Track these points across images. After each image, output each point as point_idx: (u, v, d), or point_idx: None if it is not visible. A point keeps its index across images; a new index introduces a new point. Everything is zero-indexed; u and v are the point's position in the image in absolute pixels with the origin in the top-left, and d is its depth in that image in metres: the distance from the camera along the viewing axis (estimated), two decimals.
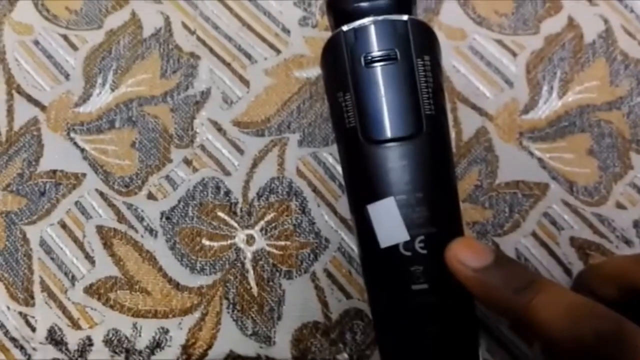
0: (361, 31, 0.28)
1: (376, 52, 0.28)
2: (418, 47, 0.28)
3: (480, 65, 0.43)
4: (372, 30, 0.28)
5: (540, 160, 0.41)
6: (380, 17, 0.28)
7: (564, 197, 0.41)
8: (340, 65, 0.29)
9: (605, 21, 0.43)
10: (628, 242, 0.40)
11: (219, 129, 0.42)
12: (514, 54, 0.43)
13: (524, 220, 0.40)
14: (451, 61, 0.43)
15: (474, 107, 0.42)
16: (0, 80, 0.44)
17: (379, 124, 0.28)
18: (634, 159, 0.41)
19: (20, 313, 0.40)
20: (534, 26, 0.44)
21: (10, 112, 0.43)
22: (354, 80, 0.28)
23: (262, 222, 0.41)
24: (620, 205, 0.40)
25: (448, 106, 0.42)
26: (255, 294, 0.39)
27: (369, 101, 0.28)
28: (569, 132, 0.42)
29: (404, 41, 0.28)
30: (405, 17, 0.28)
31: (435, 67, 0.29)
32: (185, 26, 0.44)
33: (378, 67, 0.28)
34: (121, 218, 0.41)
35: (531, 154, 0.41)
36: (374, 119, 0.28)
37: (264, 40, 0.44)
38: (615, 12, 0.43)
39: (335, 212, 0.41)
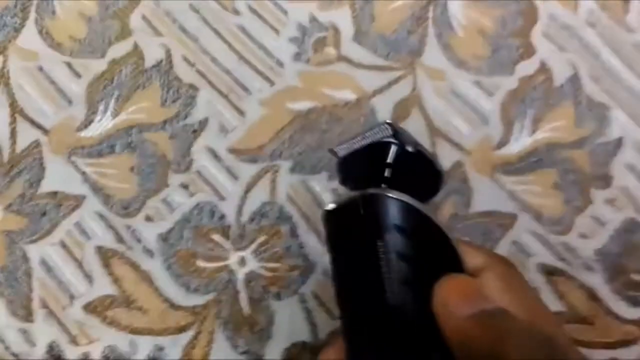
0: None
1: None
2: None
3: (458, 104, 0.45)
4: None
5: (511, 192, 0.43)
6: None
7: (532, 227, 0.43)
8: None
9: (574, 67, 0.46)
10: (590, 269, 0.42)
11: (215, 156, 0.44)
12: (490, 94, 0.45)
13: (494, 249, 0.42)
14: (432, 100, 0.45)
15: (452, 142, 0.44)
16: (4, 104, 0.44)
17: None
18: (594, 194, 0.44)
19: (20, 329, 0.40)
20: (509, 68, 0.46)
21: (13, 134, 0.44)
22: None
23: (253, 245, 0.42)
24: (582, 235, 0.43)
25: (427, 141, 0.44)
26: (247, 314, 0.41)
27: None
28: (537, 167, 0.44)
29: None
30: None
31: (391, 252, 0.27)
32: (185, 59, 0.45)
33: None
34: (120, 239, 0.42)
35: (503, 186, 0.44)
36: None
37: (259, 73, 0.45)
38: (583, 59, 0.46)
39: (321, 237, 0.42)
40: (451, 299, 0.25)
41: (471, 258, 0.28)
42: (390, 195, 0.27)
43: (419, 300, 0.26)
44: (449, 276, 0.27)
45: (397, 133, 0.28)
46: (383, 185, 0.28)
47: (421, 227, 0.27)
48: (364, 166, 0.30)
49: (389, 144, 0.29)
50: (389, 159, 0.28)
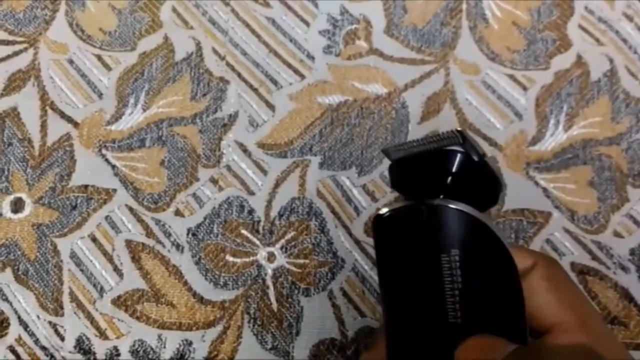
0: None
1: None
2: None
3: (492, 98, 0.43)
4: None
5: (544, 189, 0.42)
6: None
7: (565, 225, 0.41)
8: None
9: (611, 61, 0.44)
10: (624, 269, 0.40)
11: (245, 150, 0.42)
12: (525, 88, 0.43)
13: (528, 246, 0.41)
14: (464, 94, 0.43)
15: (485, 137, 0.43)
16: (35, 97, 0.43)
17: None
18: (630, 192, 0.42)
19: (50, 322, 0.39)
20: (545, 62, 0.44)
21: (44, 127, 0.43)
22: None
23: (282, 241, 0.40)
24: (617, 234, 0.41)
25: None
26: (275, 310, 0.39)
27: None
28: (572, 164, 0.42)
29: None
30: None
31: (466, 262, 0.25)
32: (215, 52, 0.44)
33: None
34: (149, 233, 0.41)
35: (536, 183, 0.42)
36: None
37: (289, 66, 0.44)
38: (620, 53, 0.44)
39: (350, 233, 0.41)
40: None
41: (518, 260, 0.27)
42: (459, 208, 0.25)
43: (479, 316, 0.25)
44: (469, 342, 0.25)
45: (465, 141, 0.27)
46: (441, 196, 0.26)
47: (486, 242, 0.25)
48: (424, 172, 0.28)
49: (454, 152, 0.27)
50: (454, 168, 0.27)
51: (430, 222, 0.25)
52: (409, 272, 0.26)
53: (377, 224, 0.27)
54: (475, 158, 0.27)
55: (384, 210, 0.27)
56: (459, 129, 0.26)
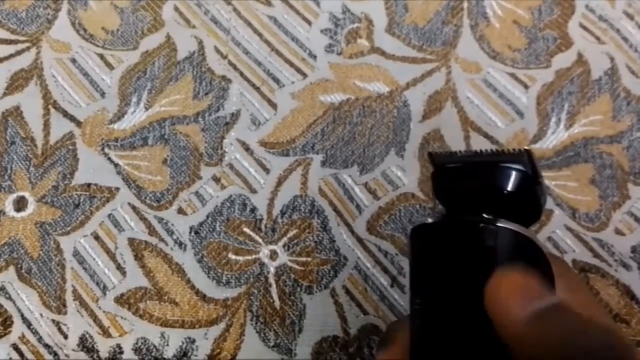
0: None
1: None
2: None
3: (494, 97, 0.43)
4: None
5: (546, 187, 0.41)
6: None
7: (567, 223, 0.41)
8: None
9: (612, 59, 0.44)
10: (626, 267, 0.40)
11: (247, 149, 0.42)
12: (526, 87, 0.43)
13: None
14: (466, 93, 0.43)
15: (487, 136, 0.42)
16: (38, 96, 0.43)
17: None
18: (632, 190, 0.41)
19: (54, 321, 0.39)
20: (546, 61, 0.44)
21: (46, 126, 0.43)
22: None
23: (285, 239, 0.40)
24: (619, 232, 0.41)
25: (461, 134, 0.42)
26: (278, 308, 0.39)
27: None
28: (573, 162, 0.42)
29: None
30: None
31: None
32: (217, 51, 0.44)
33: None
34: (152, 232, 0.40)
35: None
36: None
37: (291, 65, 0.44)
38: (621, 51, 0.44)
39: (352, 232, 0.41)
40: (505, 300, 0.23)
41: None
42: (519, 230, 0.24)
43: None
44: (500, 273, 0.24)
45: (531, 162, 0.25)
46: (495, 215, 0.25)
47: (537, 263, 0.25)
48: (476, 186, 0.26)
49: (516, 170, 0.25)
50: (513, 187, 0.25)
51: (487, 241, 0.24)
52: (454, 288, 0.25)
53: (421, 236, 0.26)
54: (537, 180, 0.26)
55: (430, 221, 0.26)
56: (527, 148, 0.25)
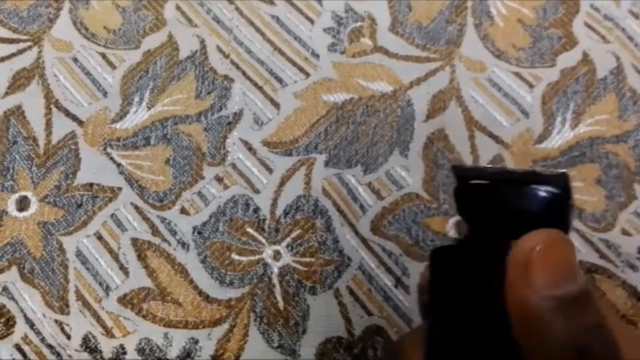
0: None
1: None
2: None
3: (498, 96, 0.43)
4: None
5: None
6: None
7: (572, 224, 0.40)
8: None
9: (617, 58, 0.43)
10: (633, 267, 0.40)
11: (250, 149, 0.42)
12: (531, 86, 0.43)
13: None
14: (470, 92, 0.43)
15: (491, 135, 0.42)
16: (39, 95, 0.43)
17: None
18: (638, 190, 0.41)
19: (56, 321, 0.39)
20: (550, 59, 0.44)
21: (48, 125, 0.43)
22: None
23: (288, 239, 0.40)
24: (625, 232, 0.41)
25: (466, 134, 0.42)
26: (281, 308, 0.39)
27: None
28: (579, 161, 0.42)
29: None
30: None
31: None
32: (219, 50, 0.44)
33: None
34: (155, 231, 0.40)
35: None
36: None
37: (294, 64, 0.44)
38: (627, 50, 0.43)
39: (356, 232, 0.40)
40: (533, 269, 0.21)
41: None
42: None
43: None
44: (538, 232, 0.22)
45: (566, 185, 0.24)
46: (515, 236, 0.23)
47: None
48: (504, 206, 0.25)
49: (553, 194, 0.24)
50: (543, 210, 0.24)
51: None
52: (475, 308, 0.24)
53: (444, 255, 0.26)
54: (569, 203, 0.24)
55: (454, 241, 0.25)
56: (565, 171, 0.24)
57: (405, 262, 0.40)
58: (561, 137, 0.42)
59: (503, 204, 0.25)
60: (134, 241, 0.40)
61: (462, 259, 0.25)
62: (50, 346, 0.38)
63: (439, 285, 0.26)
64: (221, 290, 0.39)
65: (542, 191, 0.24)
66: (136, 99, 0.43)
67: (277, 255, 0.40)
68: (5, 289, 0.39)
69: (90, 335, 0.39)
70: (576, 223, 0.40)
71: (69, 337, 0.39)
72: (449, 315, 0.25)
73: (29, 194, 0.41)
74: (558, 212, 0.24)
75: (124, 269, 0.40)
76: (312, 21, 0.45)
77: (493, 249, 0.24)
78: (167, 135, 0.42)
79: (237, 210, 0.41)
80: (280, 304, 0.39)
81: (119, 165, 0.42)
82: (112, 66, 0.44)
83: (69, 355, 0.38)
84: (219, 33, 0.44)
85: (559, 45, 0.44)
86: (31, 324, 0.39)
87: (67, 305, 0.39)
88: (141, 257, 0.40)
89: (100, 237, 0.40)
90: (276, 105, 0.43)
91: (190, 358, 0.38)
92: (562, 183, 0.24)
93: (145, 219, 0.41)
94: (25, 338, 0.39)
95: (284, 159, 0.42)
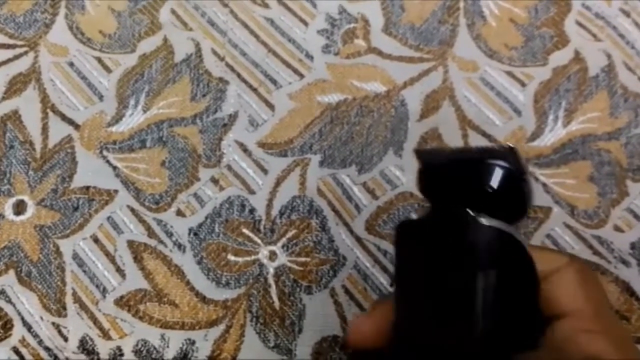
0: None
1: None
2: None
3: (491, 95, 0.43)
4: None
5: (544, 185, 0.41)
6: None
7: (565, 220, 0.41)
8: None
9: (609, 56, 0.44)
10: (625, 263, 0.40)
11: (245, 150, 0.42)
12: (523, 85, 0.43)
13: (529, 241, 0.40)
14: (463, 91, 0.43)
15: (484, 134, 0.42)
16: (36, 99, 0.43)
17: None
18: (630, 186, 0.41)
19: (53, 323, 0.39)
20: (542, 58, 0.44)
21: (45, 129, 0.43)
22: None
23: (284, 239, 0.40)
24: (618, 229, 0.41)
25: (459, 133, 0.42)
26: (277, 308, 0.39)
27: None
28: (571, 159, 0.42)
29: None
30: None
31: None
32: (214, 52, 0.44)
33: None
34: (151, 233, 0.40)
35: (536, 179, 0.41)
36: None
37: (288, 66, 0.44)
38: (618, 48, 0.44)
39: (351, 231, 0.41)
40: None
41: (556, 259, 0.27)
42: (504, 229, 0.25)
43: (506, 337, 0.24)
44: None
45: (516, 159, 0.26)
46: (472, 212, 0.25)
47: (521, 262, 0.25)
48: (461, 182, 0.26)
49: (501, 167, 0.25)
50: (498, 184, 0.25)
51: (469, 237, 0.25)
52: (436, 283, 0.25)
53: (407, 229, 0.27)
54: (522, 177, 0.26)
55: (414, 217, 0.26)
56: (511, 145, 0.25)
57: None
58: (553, 135, 0.42)
59: (458, 180, 0.26)
60: (131, 243, 0.40)
61: (426, 231, 0.26)
62: (47, 349, 0.39)
63: (403, 256, 0.27)
64: (217, 291, 0.39)
65: (492, 165, 0.25)
66: (132, 102, 0.43)
67: (272, 256, 0.40)
68: (2, 292, 0.39)
69: (87, 338, 0.39)
70: (569, 220, 0.41)
71: (66, 339, 0.39)
72: (413, 283, 0.26)
73: (25, 197, 0.41)
74: (509, 182, 0.25)
75: (120, 271, 0.40)
76: (306, 23, 0.45)
77: (454, 221, 0.25)
78: (163, 137, 0.42)
79: (233, 211, 0.41)
80: (276, 304, 0.39)
81: (115, 168, 0.42)
82: (108, 70, 0.44)
83: (67, 358, 0.38)
84: (213, 36, 0.45)
85: (551, 44, 0.44)
86: (29, 327, 0.39)
87: (64, 308, 0.39)
88: (137, 259, 0.40)
89: (96, 240, 0.41)
90: (271, 106, 0.43)
91: (187, 359, 0.38)
92: (510, 156, 0.25)
93: (142, 221, 0.41)
94: (22, 341, 0.39)
95: (279, 160, 0.42)
